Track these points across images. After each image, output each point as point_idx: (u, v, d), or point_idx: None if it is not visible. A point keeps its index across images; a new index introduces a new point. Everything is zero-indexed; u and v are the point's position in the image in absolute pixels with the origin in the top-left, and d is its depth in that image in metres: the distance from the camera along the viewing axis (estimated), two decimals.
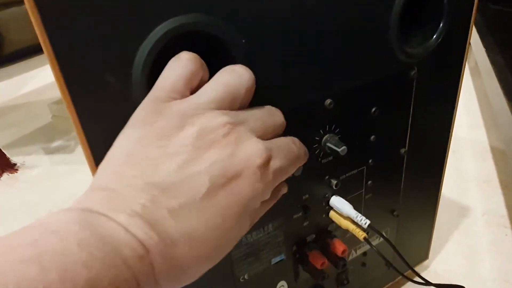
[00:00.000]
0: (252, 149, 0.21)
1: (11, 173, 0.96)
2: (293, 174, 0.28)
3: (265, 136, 0.23)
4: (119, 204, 0.19)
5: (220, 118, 0.21)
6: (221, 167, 0.20)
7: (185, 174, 0.20)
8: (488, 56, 0.84)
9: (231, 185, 0.20)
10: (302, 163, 0.26)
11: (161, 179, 0.19)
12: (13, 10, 1.81)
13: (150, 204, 0.19)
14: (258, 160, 0.21)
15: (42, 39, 0.20)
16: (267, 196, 0.23)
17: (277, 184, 0.23)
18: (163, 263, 0.18)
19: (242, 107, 0.24)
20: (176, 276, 0.19)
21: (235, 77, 0.23)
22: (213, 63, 0.25)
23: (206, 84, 0.23)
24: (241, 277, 0.35)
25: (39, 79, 1.64)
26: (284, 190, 0.28)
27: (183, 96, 0.22)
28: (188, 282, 0.21)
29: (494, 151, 0.84)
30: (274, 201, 0.27)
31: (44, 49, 0.21)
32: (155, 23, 0.22)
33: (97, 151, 0.24)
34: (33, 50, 1.91)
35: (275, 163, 0.22)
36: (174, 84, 0.22)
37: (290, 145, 0.25)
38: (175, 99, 0.22)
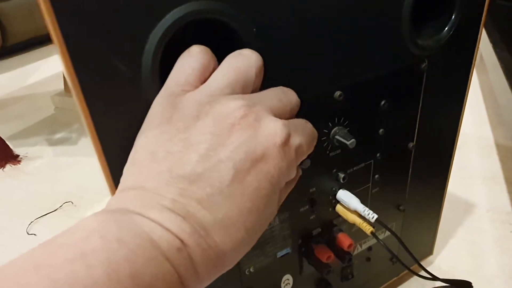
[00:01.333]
0: (272, 128, 0.21)
1: (14, 164, 0.96)
2: (301, 167, 0.28)
3: (283, 115, 0.23)
4: (149, 201, 0.19)
5: (235, 102, 0.21)
6: (244, 151, 0.20)
7: (210, 163, 0.20)
8: (495, 52, 0.83)
9: (256, 167, 0.20)
10: (315, 143, 0.26)
11: (186, 171, 0.19)
12: (16, 1, 1.80)
13: (179, 197, 0.19)
14: (279, 139, 0.21)
15: (52, 25, 0.20)
16: (293, 175, 0.23)
17: (299, 161, 0.23)
18: (200, 253, 0.19)
19: (254, 91, 0.24)
20: (215, 264, 0.20)
21: (243, 59, 0.23)
22: (224, 54, 0.24)
23: (216, 71, 0.23)
24: (247, 270, 0.35)
25: (42, 71, 1.63)
26: (307, 164, 0.27)
27: (196, 88, 0.22)
28: (226, 269, 0.21)
29: (499, 147, 0.83)
30: (297, 180, 0.27)
31: (53, 36, 0.21)
32: (166, 9, 0.22)
33: (106, 140, 0.24)
34: (36, 42, 1.90)
35: (295, 141, 0.22)
36: (187, 77, 0.22)
37: (306, 123, 0.24)
38: (189, 91, 0.22)
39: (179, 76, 0.22)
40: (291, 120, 0.24)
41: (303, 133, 0.23)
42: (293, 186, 0.27)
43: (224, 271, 0.21)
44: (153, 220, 0.18)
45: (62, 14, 0.20)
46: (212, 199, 0.19)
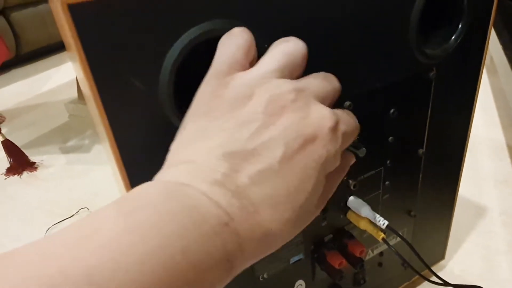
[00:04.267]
0: (322, 112, 0.22)
1: (31, 171, 0.98)
2: (357, 155, 0.28)
3: (326, 101, 0.24)
4: (200, 174, 0.19)
5: (286, 85, 0.21)
6: (296, 130, 0.21)
7: (261, 140, 0.20)
8: (506, 54, 0.83)
9: (306, 147, 0.21)
10: (357, 133, 0.26)
11: (238, 147, 0.20)
12: (29, 10, 1.84)
13: (231, 172, 0.19)
14: (329, 123, 0.22)
15: (75, 43, 0.21)
16: (338, 162, 0.23)
17: (344, 148, 0.24)
18: (247, 230, 0.19)
19: (298, 76, 0.24)
20: (261, 242, 0.20)
21: (290, 45, 0.23)
22: None
23: (265, 55, 0.23)
24: (261, 276, 0.36)
25: (55, 79, 1.67)
26: (352, 160, 0.28)
27: (244, 67, 0.23)
28: (272, 249, 0.21)
29: None
30: (345, 173, 0.27)
31: (75, 52, 0.22)
32: (181, 30, 0.23)
33: (125, 150, 0.25)
34: (49, 50, 1.94)
35: (342, 127, 0.23)
36: (234, 56, 0.22)
37: (348, 113, 0.25)
38: (238, 71, 0.22)
39: (225, 56, 0.23)
40: (337, 110, 0.24)
41: (348, 122, 0.24)
42: (343, 175, 0.27)
43: (269, 252, 0.21)
44: (204, 194, 0.18)
45: (84, 36, 0.21)
46: (262, 175, 0.20)
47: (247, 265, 0.20)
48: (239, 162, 0.20)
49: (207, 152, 0.20)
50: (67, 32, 0.21)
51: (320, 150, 0.21)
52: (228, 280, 0.19)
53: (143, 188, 0.18)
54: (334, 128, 0.22)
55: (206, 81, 0.23)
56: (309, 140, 0.21)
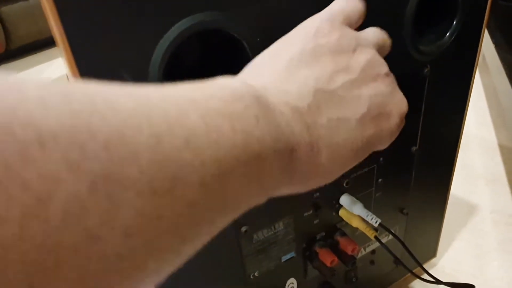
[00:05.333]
0: (403, 98, 0.24)
1: None
2: None
3: None
4: (287, 97, 0.20)
5: (382, 60, 0.23)
6: (380, 101, 0.22)
7: (353, 93, 0.21)
8: (498, 53, 0.83)
9: (380, 119, 0.22)
10: None
11: (330, 88, 0.21)
12: (20, 5, 1.81)
13: (315, 107, 0.20)
14: (405, 109, 0.23)
15: (60, 36, 0.20)
16: (384, 146, 0.24)
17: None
18: (303, 164, 0.19)
19: None
20: (305, 181, 0.20)
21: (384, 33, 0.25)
22: (228, 60, 0.25)
23: (370, 29, 0.25)
24: (252, 274, 0.35)
25: (46, 74, 1.65)
26: None
27: (352, 28, 0.24)
28: (305, 190, 0.21)
29: (503, 149, 0.83)
30: None
31: (61, 45, 0.21)
32: (171, 21, 0.22)
33: None
34: (40, 45, 1.92)
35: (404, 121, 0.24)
36: (349, 14, 0.24)
37: None
38: (348, 27, 0.23)
39: (344, 8, 0.23)
40: None
41: None
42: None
43: (301, 192, 0.21)
44: (284, 115, 0.19)
45: (71, 27, 0.20)
46: (338, 124, 0.20)
47: (282, 193, 0.20)
48: (325, 102, 0.20)
49: (300, 78, 0.20)
50: (50, 19, 0.20)
51: (388, 128, 0.23)
52: (264, 199, 0.18)
53: (236, 84, 0.18)
54: (403, 118, 0.24)
55: (316, 19, 0.23)
56: (385, 116, 0.22)
